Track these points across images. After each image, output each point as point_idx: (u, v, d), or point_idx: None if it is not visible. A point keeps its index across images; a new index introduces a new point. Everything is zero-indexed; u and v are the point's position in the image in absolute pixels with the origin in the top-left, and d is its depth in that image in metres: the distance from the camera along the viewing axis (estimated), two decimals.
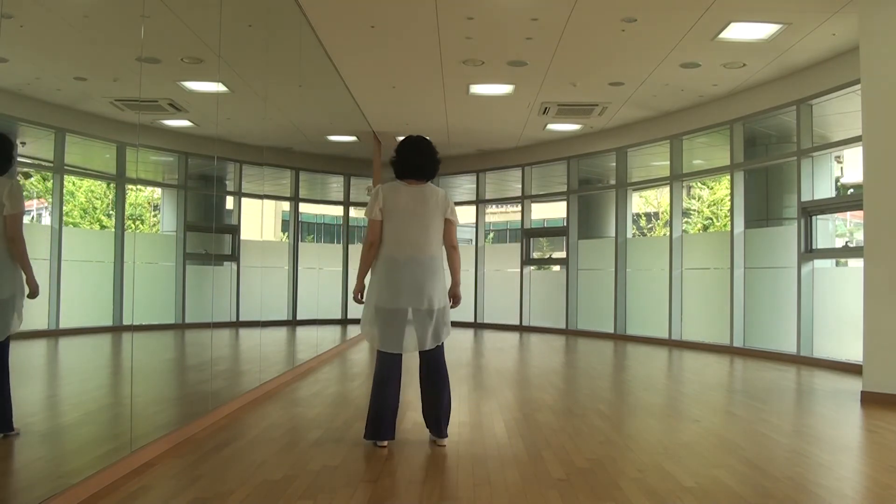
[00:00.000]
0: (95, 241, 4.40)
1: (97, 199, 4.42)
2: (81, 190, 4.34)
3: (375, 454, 3.88)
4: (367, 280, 4.18)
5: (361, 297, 4.18)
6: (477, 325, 13.80)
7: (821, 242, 8.22)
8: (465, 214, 17.94)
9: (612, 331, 11.45)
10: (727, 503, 3.17)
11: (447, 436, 4.14)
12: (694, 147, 10.62)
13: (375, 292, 4.09)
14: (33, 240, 3.84)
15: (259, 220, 6.98)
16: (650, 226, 20.73)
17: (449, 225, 4.17)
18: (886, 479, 3.58)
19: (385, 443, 4.04)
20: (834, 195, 8.53)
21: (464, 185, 14.85)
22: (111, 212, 4.43)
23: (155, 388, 4.83)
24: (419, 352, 4.12)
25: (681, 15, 6.65)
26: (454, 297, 4.21)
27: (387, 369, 4.08)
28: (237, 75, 5.61)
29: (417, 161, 4.15)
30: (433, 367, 4.14)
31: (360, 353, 9.25)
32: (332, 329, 10.38)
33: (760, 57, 7.76)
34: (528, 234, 13.40)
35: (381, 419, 4.02)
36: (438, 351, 4.13)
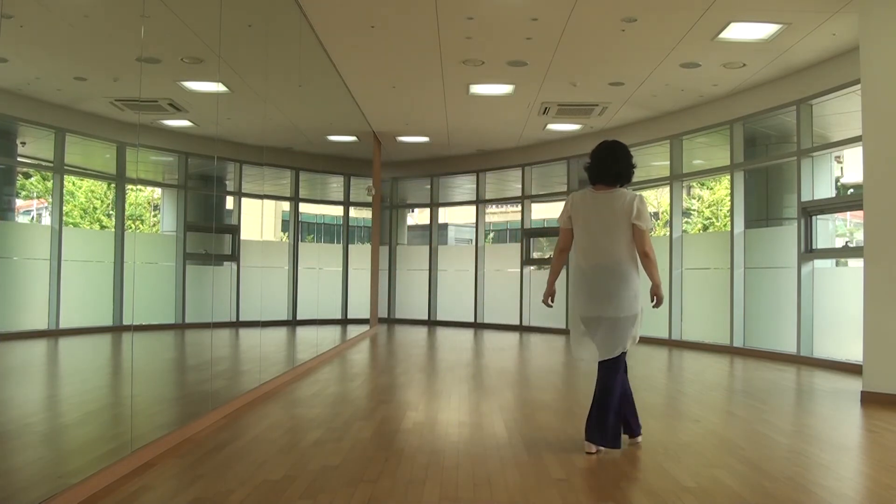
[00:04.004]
0: (95, 241, 4.40)
1: (97, 199, 4.41)
2: (81, 190, 4.33)
3: (376, 454, 3.87)
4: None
5: (551, 301, 4.27)
6: (477, 325, 13.80)
7: (821, 242, 8.22)
8: (465, 214, 17.95)
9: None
10: (727, 503, 3.17)
11: (603, 442, 3.95)
12: (694, 147, 10.62)
13: (573, 301, 4.16)
14: (33, 240, 3.85)
15: (259, 220, 6.98)
16: (650, 226, 20.72)
17: (636, 230, 4.00)
18: (886, 479, 3.58)
19: (636, 437, 4.13)
20: (834, 195, 8.52)
21: (464, 185, 14.86)
22: (111, 212, 4.43)
23: (155, 388, 4.83)
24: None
25: (681, 15, 6.65)
26: (656, 297, 4.09)
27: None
28: (237, 75, 5.60)
29: (607, 167, 4.07)
30: (605, 378, 4.01)
31: (360, 353, 9.25)
32: (332, 329, 10.38)
33: (760, 57, 7.76)
34: (528, 234, 13.40)
35: (616, 424, 4.00)
36: (617, 360, 4.01)
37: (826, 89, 7.88)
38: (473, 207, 14.38)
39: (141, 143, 4.11)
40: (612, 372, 4.01)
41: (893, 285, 5.70)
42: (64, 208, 3.93)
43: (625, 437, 4.15)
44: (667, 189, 10.81)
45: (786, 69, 8.18)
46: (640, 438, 4.16)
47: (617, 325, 3.98)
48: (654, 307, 4.12)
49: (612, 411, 3.94)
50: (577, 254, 4.14)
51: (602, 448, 3.97)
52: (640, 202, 4.02)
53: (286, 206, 8.94)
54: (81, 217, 4.33)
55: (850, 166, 8.93)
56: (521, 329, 13.09)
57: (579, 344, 4.11)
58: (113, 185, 4.47)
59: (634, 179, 4.26)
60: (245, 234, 6.44)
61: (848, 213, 9.52)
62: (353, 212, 12.22)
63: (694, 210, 19.67)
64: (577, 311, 4.13)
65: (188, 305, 5.20)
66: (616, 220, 4.01)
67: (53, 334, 3.88)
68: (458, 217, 21.80)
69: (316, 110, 8.55)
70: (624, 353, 4.06)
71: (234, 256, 6.17)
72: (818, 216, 8.23)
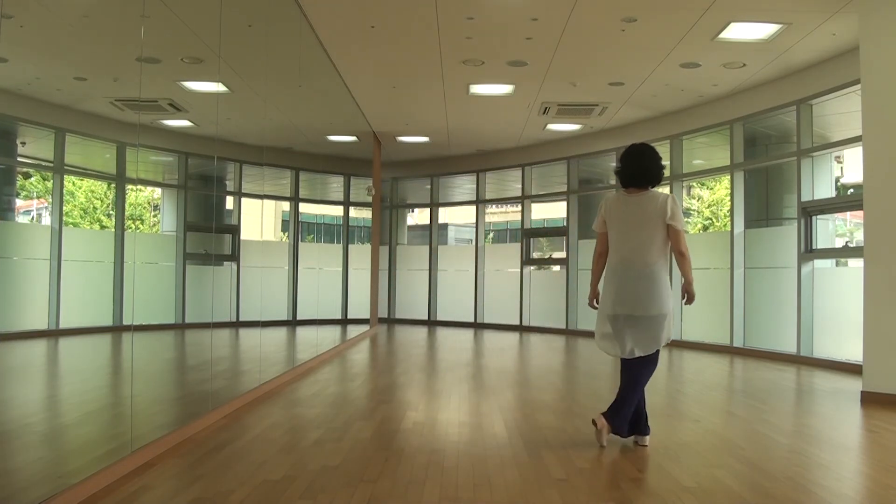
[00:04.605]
0: (95, 241, 4.39)
1: (97, 199, 4.41)
2: (81, 190, 4.33)
3: (376, 454, 3.87)
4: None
5: (596, 302, 4.35)
6: (477, 325, 13.80)
7: (821, 242, 8.22)
8: (465, 214, 17.95)
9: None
10: (727, 503, 3.17)
11: (612, 423, 4.04)
12: (694, 147, 10.62)
13: (602, 300, 4.25)
14: (33, 240, 3.85)
15: (259, 220, 6.98)
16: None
17: (672, 231, 4.09)
18: (886, 479, 3.58)
19: (646, 441, 4.15)
20: (834, 195, 8.52)
21: (464, 185, 14.86)
22: (111, 212, 4.43)
23: (155, 388, 4.83)
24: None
25: (681, 15, 6.65)
26: (688, 294, 4.18)
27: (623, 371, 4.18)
28: (237, 75, 5.60)
29: (635, 169, 4.16)
30: (633, 370, 4.13)
31: (360, 353, 9.25)
32: (332, 329, 10.38)
33: (760, 57, 7.76)
34: (528, 234, 13.40)
35: (637, 416, 4.13)
36: (649, 356, 4.12)
37: (826, 89, 7.87)
38: (473, 207, 14.38)
39: (141, 143, 4.11)
40: (644, 368, 4.13)
41: (893, 285, 5.70)
42: (64, 208, 3.93)
43: (630, 439, 4.19)
44: (667, 189, 10.82)
45: (786, 69, 8.18)
46: (647, 439, 4.16)
47: (651, 323, 4.06)
48: (685, 304, 4.23)
49: (631, 404, 4.08)
50: (611, 255, 4.22)
51: (604, 441, 4.03)
52: (674, 202, 4.10)
53: (286, 206, 8.94)
54: (81, 217, 4.33)
55: (850, 166, 8.93)
56: (520, 329, 13.09)
57: (603, 341, 4.22)
58: (113, 185, 4.47)
59: None
60: (245, 234, 6.44)
61: (848, 213, 9.52)
62: (353, 212, 12.22)
63: (694, 210, 19.67)
64: (604, 309, 4.20)
65: (188, 305, 5.20)
66: (650, 221, 4.09)
67: (53, 334, 3.88)
68: (458, 217, 21.81)
69: (316, 110, 8.55)
70: (657, 353, 4.15)
71: (234, 256, 6.17)
72: (818, 216, 8.23)
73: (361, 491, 3.22)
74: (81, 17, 3.86)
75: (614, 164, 4.34)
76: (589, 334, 11.69)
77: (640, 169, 4.16)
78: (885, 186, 5.80)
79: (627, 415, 4.06)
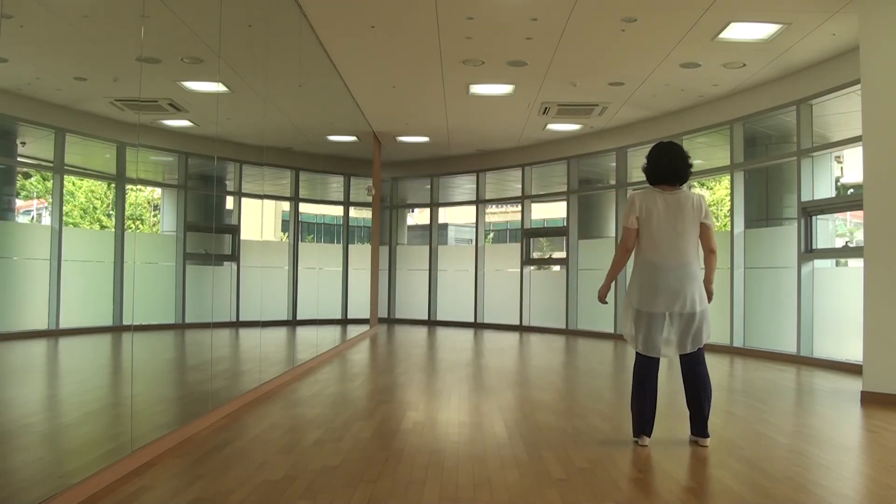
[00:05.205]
0: (95, 241, 4.40)
1: (97, 199, 4.41)
2: (81, 190, 4.33)
3: (376, 454, 3.88)
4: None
5: (605, 297, 4.38)
6: (477, 325, 13.80)
7: (821, 242, 8.22)
8: (465, 214, 17.96)
9: (611, 331, 11.44)
10: (727, 503, 3.17)
11: (709, 435, 4.13)
12: (694, 147, 10.61)
13: (635, 296, 4.20)
14: (33, 240, 3.85)
15: (259, 220, 6.98)
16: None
17: (705, 229, 4.18)
18: (886, 479, 3.58)
19: (647, 441, 4.10)
20: (834, 195, 8.52)
21: (464, 185, 14.86)
22: (111, 212, 4.43)
23: (155, 388, 4.83)
24: (679, 355, 4.17)
25: (681, 15, 6.65)
26: (707, 293, 4.21)
27: (645, 370, 4.17)
28: (237, 75, 5.60)
29: (669, 168, 4.22)
30: (695, 369, 4.15)
31: (360, 353, 9.25)
32: (332, 329, 10.38)
33: (760, 57, 7.76)
34: (528, 234, 13.40)
35: (645, 418, 4.12)
36: (699, 353, 4.16)
37: (826, 89, 7.87)
38: (473, 207, 14.38)
39: (141, 143, 4.11)
40: (701, 365, 4.15)
41: (893, 285, 5.70)
42: (64, 208, 3.93)
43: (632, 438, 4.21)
44: None
45: (786, 69, 8.18)
46: (648, 441, 4.15)
47: (692, 319, 4.10)
48: None
49: (710, 401, 4.14)
50: (646, 252, 4.19)
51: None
52: (705, 202, 4.22)
53: (286, 206, 8.94)
54: (81, 217, 4.33)
55: (850, 166, 8.93)
56: (520, 329, 13.09)
57: (635, 342, 4.23)
58: (113, 185, 4.47)
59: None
60: (245, 234, 6.44)
61: (848, 213, 9.51)
62: (353, 212, 12.22)
63: None
64: (638, 305, 4.17)
65: (188, 305, 5.20)
66: (687, 219, 4.16)
67: (53, 334, 3.88)
68: (458, 217, 21.81)
69: (316, 110, 8.55)
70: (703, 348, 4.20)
71: (234, 256, 6.17)
72: (818, 216, 8.23)
73: (361, 491, 3.22)
74: (81, 17, 3.86)
75: (644, 163, 4.34)
76: (590, 334, 11.77)
77: (675, 167, 4.23)
78: (885, 186, 5.80)
79: (708, 414, 4.13)
